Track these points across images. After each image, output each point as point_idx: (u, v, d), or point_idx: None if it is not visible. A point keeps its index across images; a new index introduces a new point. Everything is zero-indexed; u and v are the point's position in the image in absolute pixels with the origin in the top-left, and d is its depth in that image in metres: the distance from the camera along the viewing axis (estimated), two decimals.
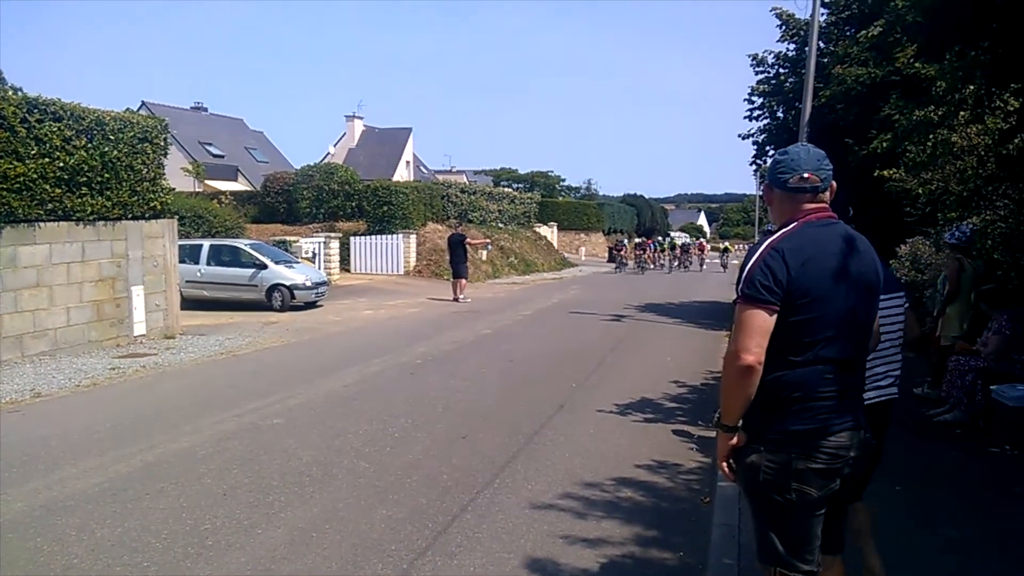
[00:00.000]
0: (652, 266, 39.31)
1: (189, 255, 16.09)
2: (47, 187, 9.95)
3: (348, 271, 24.96)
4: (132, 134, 11.39)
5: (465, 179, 53.25)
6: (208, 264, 16.53)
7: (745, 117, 18.95)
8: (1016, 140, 7.98)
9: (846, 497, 2.63)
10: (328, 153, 50.04)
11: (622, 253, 37.38)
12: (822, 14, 15.39)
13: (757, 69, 18.48)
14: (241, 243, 17.49)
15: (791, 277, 2.40)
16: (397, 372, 9.41)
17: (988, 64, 7.44)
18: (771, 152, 18.12)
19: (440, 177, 48.85)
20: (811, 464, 2.41)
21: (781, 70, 18.18)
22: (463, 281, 18.90)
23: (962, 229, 7.62)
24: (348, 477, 5.41)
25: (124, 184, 11.27)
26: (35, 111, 9.83)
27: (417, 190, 27.73)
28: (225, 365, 10.03)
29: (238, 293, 16.45)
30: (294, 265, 17.35)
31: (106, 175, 10.90)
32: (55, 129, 10.04)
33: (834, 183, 2.59)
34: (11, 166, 9.40)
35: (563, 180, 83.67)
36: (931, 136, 9.77)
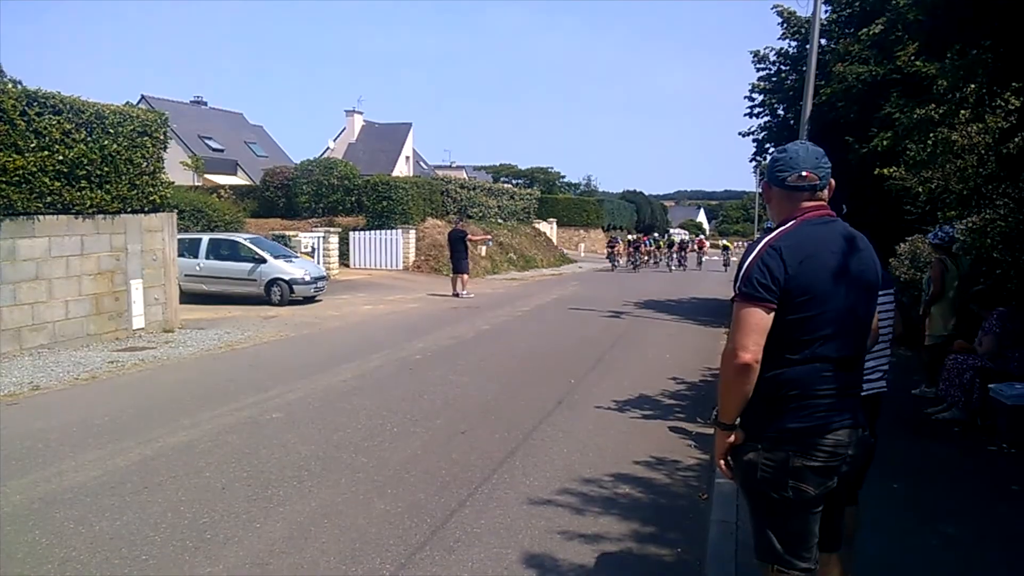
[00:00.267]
0: (648, 264, 37.89)
1: (188, 249, 16.09)
2: (46, 180, 9.94)
3: (347, 266, 24.95)
4: (132, 128, 11.38)
5: (465, 175, 53.34)
6: (207, 258, 16.52)
7: (745, 114, 18.92)
8: (1016, 139, 7.97)
9: (844, 494, 2.63)
10: (328, 148, 50.03)
11: (615, 250, 35.96)
12: (823, 11, 15.37)
13: (758, 66, 18.45)
14: (240, 237, 17.47)
15: (788, 275, 2.40)
16: (396, 367, 9.42)
17: (989, 63, 7.43)
18: (771, 149, 18.11)
19: (440, 173, 48.92)
20: (808, 462, 2.42)
21: (782, 67, 18.15)
22: (464, 276, 18.89)
23: (944, 230, 7.74)
24: (347, 471, 5.42)
25: (123, 178, 11.26)
26: (34, 104, 9.81)
27: (417, 185, 27.72)
28: (224, 359, 10.03)
29: (237, 287, 16.45)
30: (293, 260, 17.34)
31: (105, 169, 10.89)
32: (54, 122, 10.03)
33: (832, 181, 2.59)
34: (10, 159, 9.39)
35: (563, 176, 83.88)
36: (931, 134, 9.75)
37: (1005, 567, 4.03)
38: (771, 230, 2.61)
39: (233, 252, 16.71)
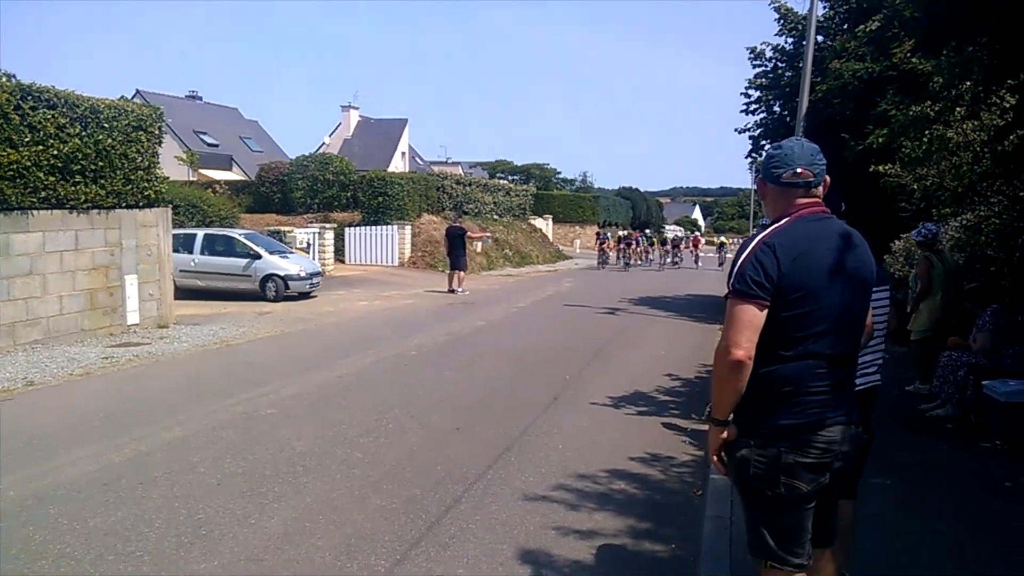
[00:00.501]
0: (640, 262, 36.27)
1: (183, 244, 16.03)
2: (41, 175, 9.90)
3: (343, 262, 24.92)
4: (126, 122, 11.33)
5: (460, 171, 53.28)
6: (202, 254, 16.48)
7: (741, 111, 18.91)
8: (1012, 137, 7.99)
9: (837, 491, 2.64)
10: (323, 143, 49.88)
11: (604, 247, 33.97)
12: (820, 8, 15.38)
13: (755, 63, 18.44)
14: (235, 233, 17.43)
15: (782, 273, 2.41)
16: (392, 363, 9.41)
17: (985, 60, 7.44)
18: (767, 146, 18.10)
19: (435, 168, 48.77)
20: (801, 458, 2.43)
21: (779, 64, 18.14)
22: (461, 273, 18.88)
23: (927, 227, 7.86)
24: (342, 467, 5.41)
25: (118, 172, 11.22)
26: (29, 98, 9.76)
27: (412, 181, 27.68)
28: (219, 355, 10.01)
29: (232, 283, 16.41)
30: (288, 255, 17.31)
31: (100, 163, 10.85)
32: (49, 117, 9.98)
33: (828, 178, 2.59)
34: (4, 153, 9.34)
35: (559, 173, 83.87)
36: (927, 132, 9.75)
37: (1001, 564, 4.05)
38: (767, 226, 2.61)
39: (228, 248, 16.67)
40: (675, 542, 4.27)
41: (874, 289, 2.78)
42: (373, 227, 25.66)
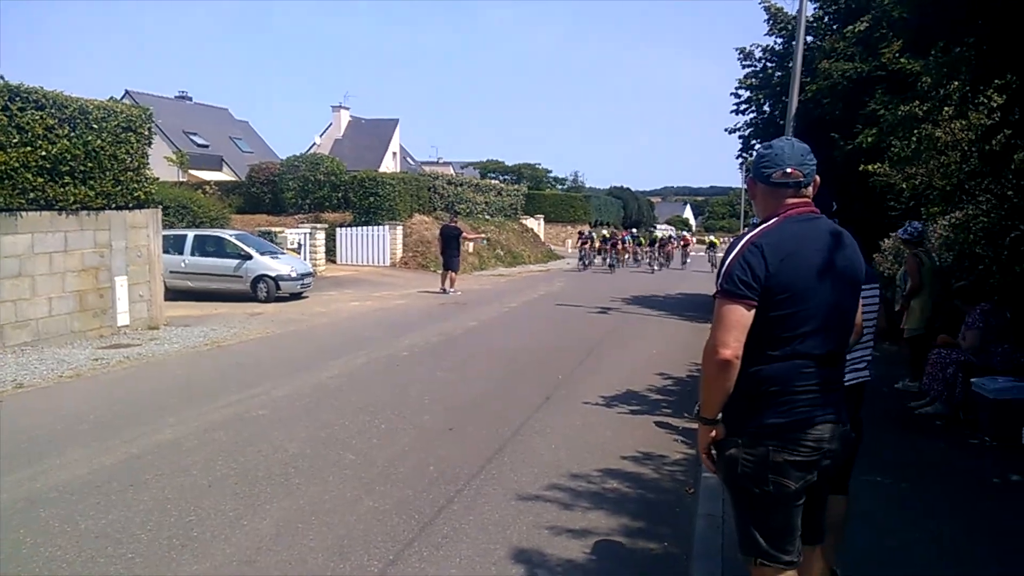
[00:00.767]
0: (626, 262, 34.46)
1: (173, 245, 15.96)
2: (29, 176, 9.83)
3: (334, 262, 24.86)
4: (116, 123, 11.27)
5: (452, 171, 53.16)
6: (192, 255, 16.41)
7: (732, 111, 18.95)
8: (999, 136, 8.04)
9: (826, 488, 2.66)
10: (314, 143, 49.72)
11: (586, 247, 31.52)
12: (810, 8, 15.44)
13: (744, 63, 18.49)
14: (226, 233, 17.36)
15: (769, 273, 2.42)
16: (384, 364, 9.40)
17: (973, 60, 7.49)
18: (757, 146, 18.16)
19: (427, 168, 48.71)
20: (789, 456, 2.44)
21: (768, 64, 18.20)
22: (452, 274, 18.86)
23: (914, 225, 7.91)
24: (334, 469, 5.41)
25: (107, 173, 11.16)
26: (17, 99, 9.70)
27: (404, 181, 27.65)
28: (210, 356, 9.98)
29: (223, 284, 16.35)
30: (279, 256, 17.27)
31: (89, 164, 10.79)
32: (37, 117, 9.91)
33: (818, 178, 2.60)
34: None
35: (550, 172, 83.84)
36: (915, 131, 9.82)
37: (995, 561, 4.07)
38: (757, 225, 2.62)
39: (219, 248, 16.61)
40: (668, 540, 4.29)
41: (863, 288, 2.81)
42: (364, 227, 25.61)
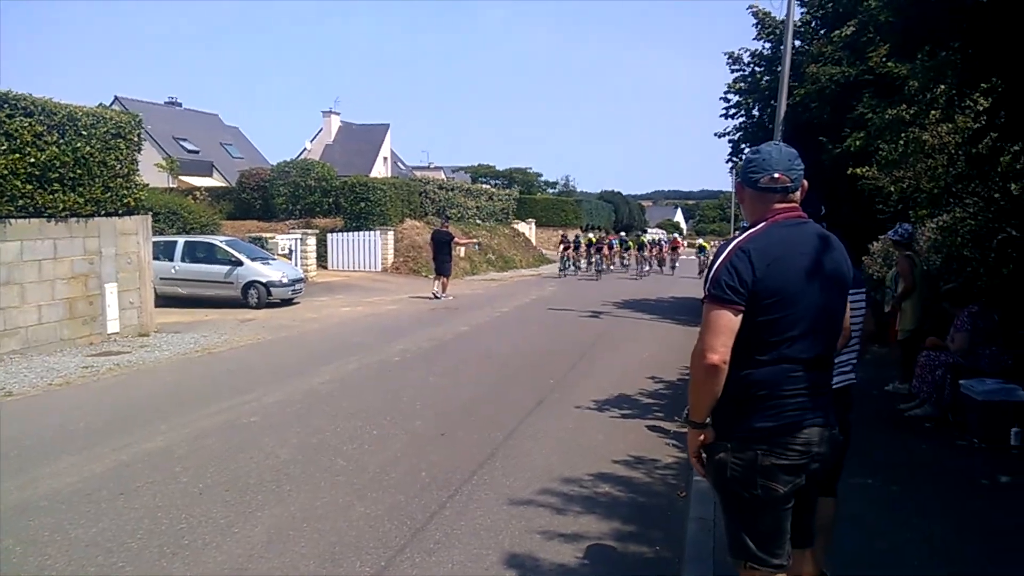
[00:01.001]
0: (614, 267, 33.57)
1: (163, 252, 15.90)
2: (18, 183, 9.79)
3: (325, 268, 24.83)
4: (105, 130, 11.24)
5: (443, 175, 53.15)
6: (183, 261, 16.36)
7: (721, 115, 19.07)
8: (986, 139, 8.12)
9: (814, 491, 2.67)
10: (304, 149, 49.59)
11: (568, 252, 29.76)
12: (797, 13, 15.55)
13: (733, 67, 18.61)
14: (216, 240, 17.32)
15: (756, 278, 2.43)
16: (375, 369, 9.39)
17: (958, 64, 7.56)
18: (746, 150, 18.26)
19: (418, 173, 48.77)
20: (777, 460, 2.45)
21: (757, 68, 18.32)
22: (444, 279, 18.86)
23: (904, 227, 7.95)
24: (326, 475, 5.40)
25: (97, 180, 11.12)
26: (5, 106, 9.66)
27: (395, 186, 27.64)
28: (201, 363, 9.94)
29: (213, 290, 16.29)
30: (270, 262, 17.22)
31: (78, 171, 10.75)
32: (26, 124, 9.88)
33: (805, 182, 2.62)
34: None
35: (541, 176, 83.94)
36: (903, 135, 9.90)
37: (985, 561, 4.09)
38: (746, 229, 2.64)
39: (209, 255, 16.56)
40: (660, 544, 4.30)
41: (851, 291, 2.83)
42: (356, 233, 25.59)
